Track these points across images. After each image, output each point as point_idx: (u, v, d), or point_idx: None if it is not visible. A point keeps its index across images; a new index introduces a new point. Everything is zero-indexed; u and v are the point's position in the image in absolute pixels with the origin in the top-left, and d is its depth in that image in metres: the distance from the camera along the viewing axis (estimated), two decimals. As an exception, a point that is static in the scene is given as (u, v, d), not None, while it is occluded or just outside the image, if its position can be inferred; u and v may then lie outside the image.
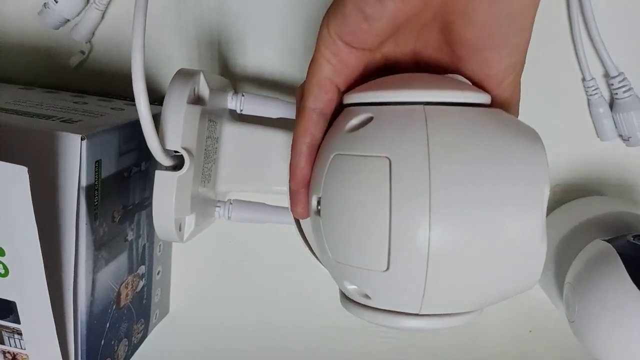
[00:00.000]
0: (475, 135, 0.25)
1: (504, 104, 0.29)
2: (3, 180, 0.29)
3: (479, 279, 0.25)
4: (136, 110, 0.39)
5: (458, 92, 0.26)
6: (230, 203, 0.40)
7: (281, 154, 0.39)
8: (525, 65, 0.42)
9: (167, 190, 0.33)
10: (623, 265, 0.36)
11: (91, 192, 0.34)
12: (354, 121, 0.27)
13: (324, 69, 0.27)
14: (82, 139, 0.32)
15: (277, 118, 0.40)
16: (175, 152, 0.33)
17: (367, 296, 0.27)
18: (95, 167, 0.34)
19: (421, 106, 0.26)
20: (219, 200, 0.40)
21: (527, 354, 0.49)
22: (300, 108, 0.29)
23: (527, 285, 0.26)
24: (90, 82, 0.45)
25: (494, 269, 0.25)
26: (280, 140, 0.39)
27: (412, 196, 0.24)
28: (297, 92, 0.31)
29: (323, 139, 0.29)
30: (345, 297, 0.30)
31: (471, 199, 0.24)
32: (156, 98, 0.45)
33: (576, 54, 0.42)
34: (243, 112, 0.39)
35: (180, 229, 0.35)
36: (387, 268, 0.25)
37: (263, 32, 0.43)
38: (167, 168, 0.33)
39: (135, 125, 0.38)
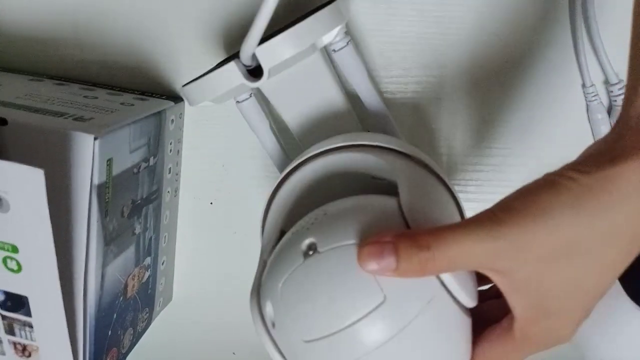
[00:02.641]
0: None
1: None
2: (19, 181, 0.29)
3: None
4: (145, 107, 0.40)
5: None
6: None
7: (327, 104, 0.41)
8: (525, 70, 0.43)
9: (227, 81, 0.36)
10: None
11: (102, 190, 0.34)
12: None
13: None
14: (94, 139, 0.33)
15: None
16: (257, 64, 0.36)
17: None
18: (107, 165, 0.34)
19: None
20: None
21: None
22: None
23: None
24: (98, 75, 0.46)
25: None
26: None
27: None
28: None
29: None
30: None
31: None
32: (164, 92, 0.46)
33: (577, 59, 0.43)
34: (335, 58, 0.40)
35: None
36: None
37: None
38: (245, 66, 0.36)
39: (146, 121, 0.39)
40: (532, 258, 0.26)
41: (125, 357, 0.43)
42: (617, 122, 0.27)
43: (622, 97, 0.42)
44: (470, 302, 0.29)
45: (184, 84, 0.39)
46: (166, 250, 0.47)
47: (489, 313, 0.30)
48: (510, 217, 0.26)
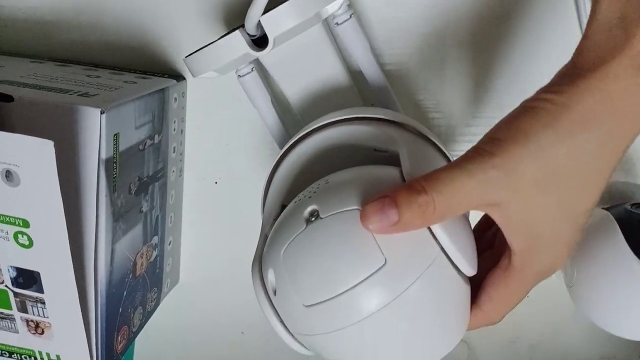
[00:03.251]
0: None
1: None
2: (29, 154, 0.29)
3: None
4: (148, 85, 0.40)
5: None
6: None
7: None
8: (527, 35, 0.44)
9: (232, 50, 0.36)
10: (620, 232, 0.38)
11: (110, 165, 0.34)
12: None
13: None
14: (101, 113, 0.33)
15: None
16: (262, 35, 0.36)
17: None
18: (114, 140, 0.34)
19: None
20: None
21: (522, 317, 0.51)
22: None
23: None
24: (99, 57, 0.46)
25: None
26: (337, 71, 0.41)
27: None
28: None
29: None
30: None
31: None
32: (165, 71, 0.45)
33: (581, 28, 0.43)
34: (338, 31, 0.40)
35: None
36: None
37: None
38: (250, 36, 0.36)
39: (150, 98, 0.39)
40: (523, 184, 0.26)
41: (135, 336, 0.43)
42: (582, 39, 0.28)
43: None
44: (470, 270, 0.29)
45: (186, 55, 0.39)
46: (172, 231, 0.47)
47: (482, 266, 0.31)
48: (497, 147, 0.27)
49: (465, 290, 0.30)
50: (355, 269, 0.27)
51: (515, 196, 0.27)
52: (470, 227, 0.32)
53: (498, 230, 0.29)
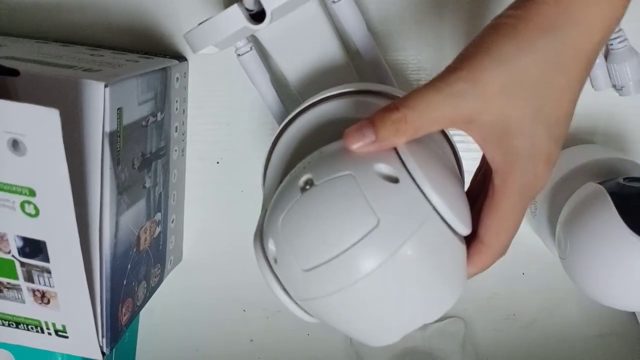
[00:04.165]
0: None
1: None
2: (35, 123, 0.30)
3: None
4: (150, 64, 0.41)
5: None
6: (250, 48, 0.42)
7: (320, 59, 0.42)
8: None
9: (230, 23, 0.37)
10: (613, 204, 0.38)
11: (114, 138, 0.35)
12: None
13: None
14: (105, 86, 0.34)
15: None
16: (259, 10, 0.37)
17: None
18: (117, 114, 0.35)
19: None
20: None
21: (519, 294, 0.52)
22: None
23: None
24: (102, 38, 0.46)
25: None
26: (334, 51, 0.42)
27: None
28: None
29: None
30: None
31: None
32: (166, 51, 0.46)
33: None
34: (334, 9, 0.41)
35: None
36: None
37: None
38: (248, 10, 0.37)
39: (152, 76, 0.40)
40: (490, 93, 0.28)
41: (139, 310, 0.44)
42: None
43: (618, 40, 0.43)
44: (463, 228, 0.30)
45: (186, 32, 0.40)
46: (175, 209, 0.48)
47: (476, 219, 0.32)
48: (462, 62, 0.28)
49: (460, 248, 0.30)
50: (350, 231, 0.28)
51: (485, 107, 0.28)
52: (463, 189, 0.32)
53: (486, 172, 0.30)
